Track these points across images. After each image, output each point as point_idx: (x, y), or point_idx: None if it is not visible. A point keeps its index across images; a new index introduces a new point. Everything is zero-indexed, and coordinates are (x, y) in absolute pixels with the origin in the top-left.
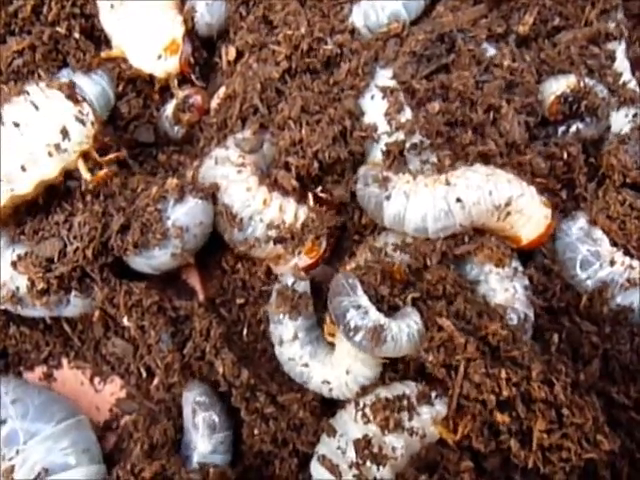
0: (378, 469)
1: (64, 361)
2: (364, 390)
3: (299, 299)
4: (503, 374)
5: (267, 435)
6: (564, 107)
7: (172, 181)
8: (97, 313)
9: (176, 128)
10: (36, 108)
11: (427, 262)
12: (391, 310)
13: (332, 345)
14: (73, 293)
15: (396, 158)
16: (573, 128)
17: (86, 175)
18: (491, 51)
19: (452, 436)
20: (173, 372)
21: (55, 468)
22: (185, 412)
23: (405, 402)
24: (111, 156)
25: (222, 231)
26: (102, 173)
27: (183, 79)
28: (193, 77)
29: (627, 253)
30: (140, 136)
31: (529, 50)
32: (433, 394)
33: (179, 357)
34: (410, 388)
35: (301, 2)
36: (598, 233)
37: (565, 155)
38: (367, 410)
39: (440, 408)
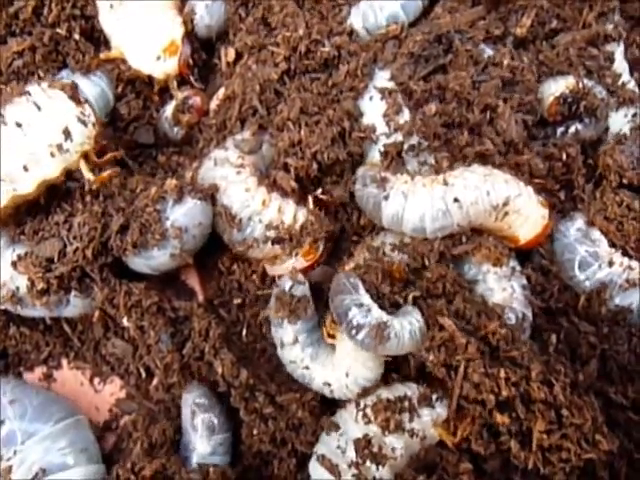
0: (377, 469)
1: (64, 361)
2: (365, 391)
3: (298, 303)
4: (502, 374)
5: (266, 435)
6: (563, 108)
7: (171, 182)
8: (97, 313)
9: (175, 129)
10: (38, 108)
11: (425, 262)
12: (392, 308)
13: (333, 347)
14: (73, 293)
15: (394, 159)
16: (572, 129)
17: (88, 175)
18: (489, 52)
19: (452, 438)
20: (172, 372)
21: (53, 468)
22: (184, 413)
23: (406, 403)
24: (109, 156)
25: (221, 232)
26: (106, 173)
27: (182, 80)
28: (192, 78)
29: (625, 254)
30: (140, 137)
31: (527, 52)
32: (434, 396)
33: (178, 357)
34: (411, 390)
35: (299, 4)
36: (596, 234)
37: (564, 156)
38: (368, 410)
39: (441, 410)
